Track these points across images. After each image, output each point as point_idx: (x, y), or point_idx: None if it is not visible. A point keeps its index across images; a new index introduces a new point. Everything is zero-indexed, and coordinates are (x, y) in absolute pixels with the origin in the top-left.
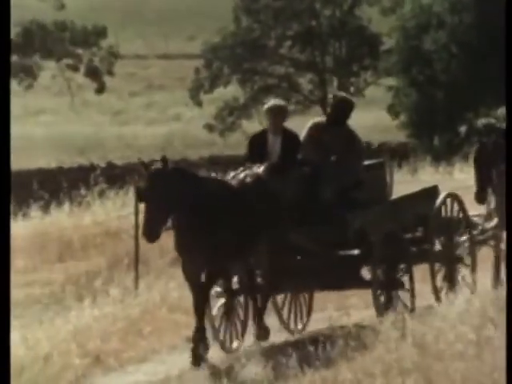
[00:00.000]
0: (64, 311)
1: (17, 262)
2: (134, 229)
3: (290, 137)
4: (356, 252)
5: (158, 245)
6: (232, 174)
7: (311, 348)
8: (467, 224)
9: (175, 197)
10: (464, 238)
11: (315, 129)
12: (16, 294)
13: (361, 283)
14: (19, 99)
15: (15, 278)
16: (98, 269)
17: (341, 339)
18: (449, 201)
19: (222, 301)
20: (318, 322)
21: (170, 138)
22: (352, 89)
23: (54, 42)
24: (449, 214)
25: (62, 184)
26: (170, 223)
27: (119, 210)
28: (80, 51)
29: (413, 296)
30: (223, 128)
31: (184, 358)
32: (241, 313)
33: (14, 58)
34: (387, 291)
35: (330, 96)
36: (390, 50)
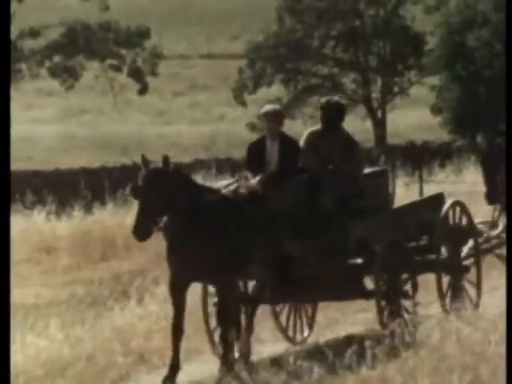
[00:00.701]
0: (107, 310)
1: (60, 262)
2: None
3: (287, 142)
4: (358, 261)
5: None
6: (223, 182)
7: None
8: (473, 232)
9: (171, 198)
10: (469, 246)
11: (312, 137)
12: (60, 293)
13: (363, 293)
14: (62, 100)
15: (59, 278)
16: (141, 268)
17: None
18: (454, 209)
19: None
20: (361, 323)
21: (213, 138)
22: (396, 88)
23: (98, 43)
24: (454, 222)
25: (104, 183)
26: (161, 224)
27: None
28: (123, 52)
29: (415, 305)
30: None
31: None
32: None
33: (56, 59)
34: (391, 301)
35: (374, 95)
36: (434, 49)
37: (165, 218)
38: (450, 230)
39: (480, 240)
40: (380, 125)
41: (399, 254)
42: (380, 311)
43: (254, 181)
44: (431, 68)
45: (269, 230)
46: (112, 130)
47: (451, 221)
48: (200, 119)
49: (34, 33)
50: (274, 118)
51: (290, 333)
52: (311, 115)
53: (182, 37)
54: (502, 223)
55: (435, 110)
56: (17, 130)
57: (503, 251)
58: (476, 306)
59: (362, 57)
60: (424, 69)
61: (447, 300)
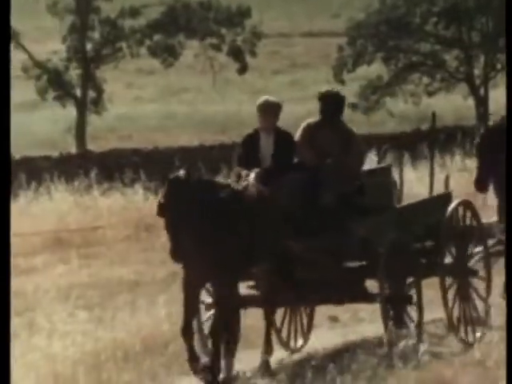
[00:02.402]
0: None
1: (159, 240)
2: None
3: (282, 137)
4: (360, 263)
5: None
6: (232, 179)
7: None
8: (481, 234)
9: (197, 209)
10: (478, 249)
11: (309, 130)
12: (160, 271)
13: (365, 296)
14: (162, 78)
15: (158, 255)
16: None
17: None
18: (461, 209)
19: (211, 313)
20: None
21: (312, 116)
22: (499, 65)
23: (198, 22)
24: (461, 223)
25: (203, 162)
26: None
27: None
28: (224, 31)
29: (420, 311)
30: (366, 106)
31: (325, 338)
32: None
33: (157, 38)
34: (395, 306)
35: (477, 72)
36: None
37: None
38: (456, 231)
39: (492, 242)
40: (482, 103)
41: (404, 256)
42: (385, 317)
43: (250, 178)
44: None
45: (272, 229)
46: (211, 108)
47: (458, 221)
48: (299, 97)
49: (134, 12)
50: (270, 111)
51: (287, 339)
52: (412, 93)
53: (283, 15)
54: (497, 216)
55: None
56: (118, 108)
57: None
58: (486, 313)
59: (465, 33)
60: None
61: (453, 307)
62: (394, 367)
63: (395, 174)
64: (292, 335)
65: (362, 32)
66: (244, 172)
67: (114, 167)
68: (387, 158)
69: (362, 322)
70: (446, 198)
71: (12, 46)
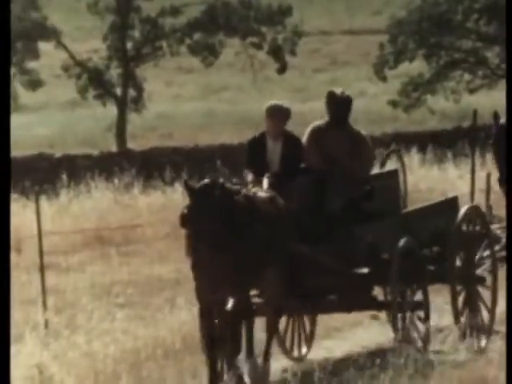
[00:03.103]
0: None
1: None
2: None
3: (291, 142)
4: (367, 270)
5: None
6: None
7: None
8: (489, 239)
9: (219, 218)
10: (485, 254)
11: (316, 133)
12: None
13: (373, 304)
14: (202, 77)
15: None
16: None
17: None
18: (471, 214)
19: None
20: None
21: (353, 114)
22: None
23: (239, 20)
24: (470, 228)
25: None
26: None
27: None
28: (264, 29)
29: (427, 318)
30: (407, 104)
31: (366, 335)
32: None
33: (197, 36)
34: (404, 313)
35: None
36: None
37: None
38: (464, 237)
39: (497, 247)
40: None
41: (413, 263)
42: (395, 324)
43: (264, 183)
44: None
45: (284, 234)
46: (251, 106)
47: (466, 227)
48: None
49: (174, 10)
50: (279, 116)
51: (290, 348)
52: (453, 90)
53: (324, 12)
54: None
55: None
56: (158, 106)
57: None
58: (491, 320)
59: (507, 30)
60: None
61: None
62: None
63: (435, 172)
64: (296, 344)
65: (404, 29)
66: (250, 176)
67: (154, 166)
68: (428, 156)
69: None
70: (453, 202)
71: (53, 45)
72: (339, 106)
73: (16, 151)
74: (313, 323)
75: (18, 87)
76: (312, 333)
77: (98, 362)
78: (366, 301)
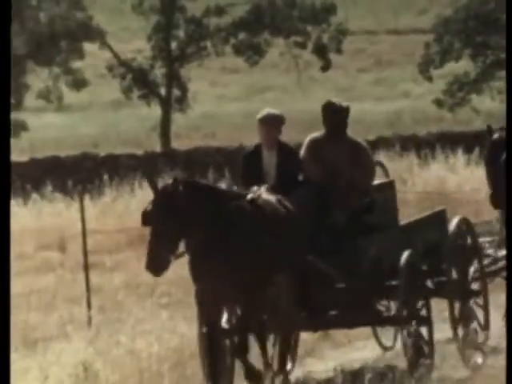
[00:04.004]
0: None
1: None
2: None
3: (286, 152)
4: (371, 283)
5: None
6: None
7: None
8: (477, 253)
9: (188, 220)
10: (474, 268)
11: (314, 145)
12: None
13: (379, 319)
14: (246, 77)
15: None
16: None
17: None
18: (461, 227)
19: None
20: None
21: (398, 114)
22: None
23: (283, 20)
24: (460, 241)
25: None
26: (181, 249)
27: None
28: (309, 28)
29: (431, 333)
30: (453, 103)
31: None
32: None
33: (241, 36)
34: (409, 328)
35: None
36: None
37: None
38: (456, 250)
39: (486, 262)
40: None
41: (416, 276)
42: (404, 339)
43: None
44: None
45: (296, 243)
46: (296, 107)
47: (460, 240)
48: (384, 96)
49: (219, 10)
50: (272, 125)
51: (271, 362)
52: (499, 90)
53: (369, 12)
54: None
55: None
56: (202, 106)
57: None
58: (485, 336)
59: None
60: None
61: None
62: None
63: (480, 172)
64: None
65: (450, 28)
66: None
67: (197, 165)
68: (473, 156)
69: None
70: (441, 215)
71: (98, 45)
72: (337, 116)
73: (60, 151)
74: (296, 338)
75: (62, 87)
76: (295, 347)
77: (142, 361)
78: (370, 316)
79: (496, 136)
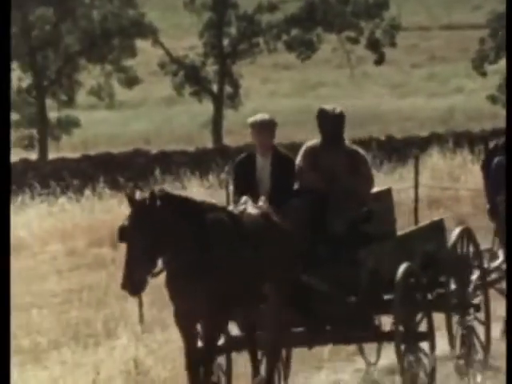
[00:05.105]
0: None
1: None
2: (413, 202)
3: (281, 158)
4: (370, 296)
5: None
6: (232, 206)
7: None
8: (479, 263)
9: (165, 236)
10: (475, 280)
11: (310, 153)
12: None
13: (375, 335)
14: (298, 73)
15: None
16: None
17: None
18: (462, 237)
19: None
20: None
21: (451, 111)
22: None
23: (336, 15)
24: (461, 252)
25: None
26: (159, 267)
27: (397, 183)
28: (362, 24)
29: (433, 348)
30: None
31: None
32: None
33: (294, 32)
34: (410, 344)
35: None
36: None
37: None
38: (457, 262)
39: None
40: None
41: (414, 290)
42: (400, 356)
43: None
44: None
45: (282, 259)
46: (349, 103)
47: (458, 251)
48: (437, 91)
49: (272, 7)
50: (265, 130)
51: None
52: None
53: (422, 8)
54: (502, 253)
55: None
56: (254, 103)
57: (503, 285)
58: (486, 349)
59: None
60: None
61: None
62: None
63: None
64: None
65: (504, 23)
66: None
67: None
68: None
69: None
70: (440, 225)
71: (150, 42)
72: (332, 123)
73: (112, 148)
74: (288, 352)
75: (114, 85)
76: (288, 363)
77: None
78: (367, 331)
79: (492, 145)
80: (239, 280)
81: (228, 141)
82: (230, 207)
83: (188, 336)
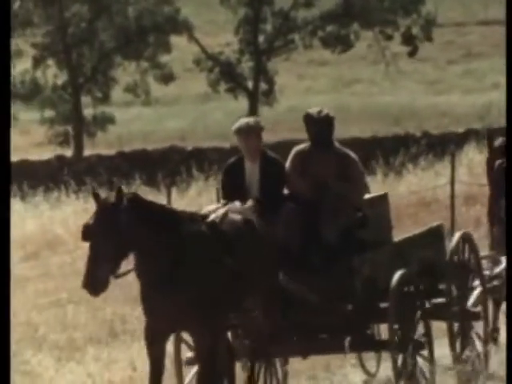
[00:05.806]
0: None
1: None
2: (449, 199)
3: (270, 163)
4: (365, 305)
5: (475, 215)
6: (210, 207)
7: None
8: (479, 271)
9: (129, 237)
10: (475, 288)
11: (300, 157)
12: None
13: (370, 344)
14: (334, 70)
15: None
16: None
17: None
18: (462, 243)
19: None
20: None
21: (487, 107)
22: None
23: (372, 11)
24: (461, 259)
25: (375, 153)
26: (120, 270)
27: (433, 179)
28: (398, 19)
29: (432, 359)
30: None
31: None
32: None
33: (330, 28)
34: (406, 354)
35: None
36: None
37: (127, 262)
38: (457, 269)
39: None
40: None
41: (410, 298)
42: (395, 366)
43: (246, 207)
44: None
45: (266, 268)
46: (384, 99)
47: (458, 258)
48: (473, 88)
49: (307, 3)
50: (250, 134)
51: None
52: None
53: (458, 3)
54: (504, 259)
55: None
56: (289, 100)
57: (503, 292)
58: (486, 362)
59: None
60: None
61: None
62: None
63: None
64: None
65: None
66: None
67: (284, 159)
68: None
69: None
70: (438, 231)
71: (185, 39)
72: (319, 127)
73: (148, 144)
74: (284, 363)
75: (150, 81)
76: (285, 373)
77: None
78: (362, 340)
79: (497, 144)
80: (218, 289)
81: (263, 137)
82: (212, 214)
83: (154, 354)
